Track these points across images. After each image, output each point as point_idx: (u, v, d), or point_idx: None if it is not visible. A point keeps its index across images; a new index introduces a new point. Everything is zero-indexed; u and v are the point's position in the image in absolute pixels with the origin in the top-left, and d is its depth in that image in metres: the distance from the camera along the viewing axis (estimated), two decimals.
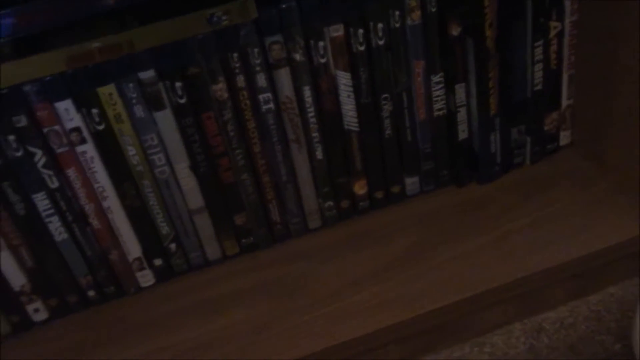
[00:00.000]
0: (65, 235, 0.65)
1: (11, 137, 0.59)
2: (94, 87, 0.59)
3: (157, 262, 0.71)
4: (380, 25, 0.64)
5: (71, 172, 0.62)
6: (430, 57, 0.67)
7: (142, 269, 0.70)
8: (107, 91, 0.59)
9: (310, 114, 0.67)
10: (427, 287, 0.66)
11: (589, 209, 0.71)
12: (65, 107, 0.59)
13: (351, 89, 0.66)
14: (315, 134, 0.68)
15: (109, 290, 0.70)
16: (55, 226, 0.64)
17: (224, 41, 0.60)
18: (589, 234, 0.68)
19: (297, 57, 0.63)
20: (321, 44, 0.63)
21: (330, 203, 0.73)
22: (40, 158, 0.61)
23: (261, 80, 0.63)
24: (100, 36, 0.57)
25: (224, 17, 0.59)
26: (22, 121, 0.58)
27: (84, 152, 0.62)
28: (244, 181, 0.68)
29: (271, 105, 0.65)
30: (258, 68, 0.62)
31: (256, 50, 0.61)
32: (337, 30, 0.63)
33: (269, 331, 0.65)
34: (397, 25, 0.64)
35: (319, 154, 0.69)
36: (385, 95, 0.68)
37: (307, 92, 0.65)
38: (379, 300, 0.66)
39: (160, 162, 0.64)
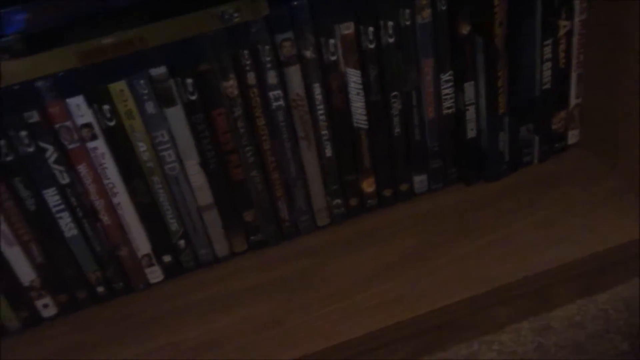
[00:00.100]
0: (75, 231, 0.66)
1: (23, 133, 0.59)
2: (105, 84, 0.59)
3: (166, 258, 0.71)
4: (390, 23, 0.64)
5: (82, 168, 0.63)
6: (440, 55, 0.67)
7: (151, 265, 0.71)
8: (118, 87, 0.60)
9: (320, 112, 0.67)
10: (435, 285, 0.66)
11: (597, 207, 0.71)
12: (77, 103, 0.59)
13: (361, 86, 0.66)
14: (324, 132, 0.68)
15: (117, 286, 0.71)
16: (65, 222, 0.65)
17: (235, 38, 0.60)
18: (597, 233, 0.68)
19: (308, 54, 0.63)
20: (332, 41, 0.63)
21: (339, 201, 0.73)
22: (51, 154, 0.61)
23: (272, 77, 0.63)
24: (112, 32, 0.57)
25: (235, 14, 0.59)
26: (34, 117, 0.59)
27: (94, 148, 0.62)
28: (253, 178, 0.68)
29: (281, 102, 0.65)
30: (269, 65, 0.62)
31: (267, 47, 0.61)
32: (347, 28, 0.63)
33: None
34: (407, 23, 0.64)
35: (328, 152, 0.70)
36: (395, 93, 0.68)
37: (317, 90, 0.65)
38: (386, 298, 0.66)
39: (170, 158, 0.65)
